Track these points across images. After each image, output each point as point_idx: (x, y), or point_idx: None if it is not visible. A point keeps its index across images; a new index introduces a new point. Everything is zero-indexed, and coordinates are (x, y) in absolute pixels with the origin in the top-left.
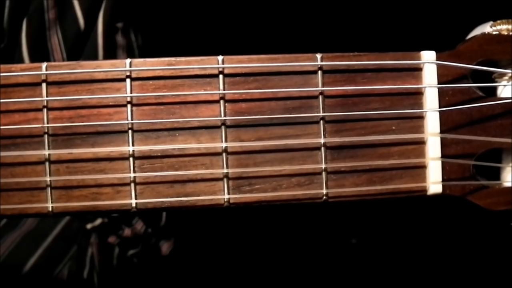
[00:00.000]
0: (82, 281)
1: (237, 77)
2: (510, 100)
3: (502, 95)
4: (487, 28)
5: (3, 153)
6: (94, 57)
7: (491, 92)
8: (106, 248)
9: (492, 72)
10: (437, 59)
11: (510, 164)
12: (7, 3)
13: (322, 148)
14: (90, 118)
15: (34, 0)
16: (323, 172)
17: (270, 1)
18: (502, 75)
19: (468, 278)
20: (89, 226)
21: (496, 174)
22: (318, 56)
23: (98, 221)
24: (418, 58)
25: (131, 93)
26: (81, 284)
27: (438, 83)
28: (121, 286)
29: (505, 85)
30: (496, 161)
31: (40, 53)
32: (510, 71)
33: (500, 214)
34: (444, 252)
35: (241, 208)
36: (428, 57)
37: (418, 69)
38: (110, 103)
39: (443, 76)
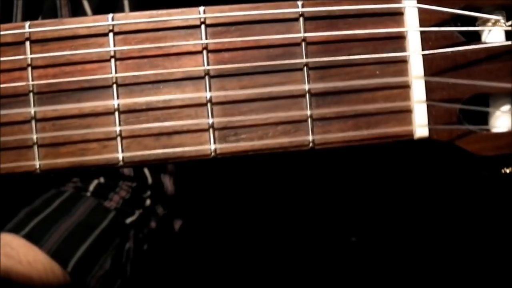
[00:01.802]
0: (120, 271)
1: (219, 27)
2: (494, 45)
3: (487, 41)
4: None
5: None
6: None
7: (475, 38)
8: (139, 242)
9: (475, 18)
10: (419, 3)
11: (498, 109)
12: (20, 2)
13: (307, 94)
14: (74, 74)
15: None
16: (309, 119)
17: None
18: (485, 21)
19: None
20: (128, 220)
21: (483, 122)
22: (299, 3)
23: (135, 216)
24: (399, 2)
25: (114, 47)
26: (119, 274)
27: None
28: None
29: (489, 31)
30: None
31: None
32: (494, 16)
33: (489, 160)
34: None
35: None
36: (409, 1)
37: (399, 13)
38: (94, 59)
39: (425, 21)
